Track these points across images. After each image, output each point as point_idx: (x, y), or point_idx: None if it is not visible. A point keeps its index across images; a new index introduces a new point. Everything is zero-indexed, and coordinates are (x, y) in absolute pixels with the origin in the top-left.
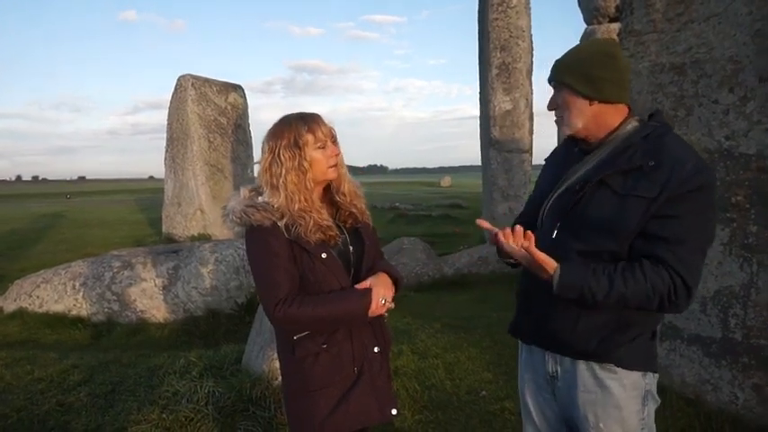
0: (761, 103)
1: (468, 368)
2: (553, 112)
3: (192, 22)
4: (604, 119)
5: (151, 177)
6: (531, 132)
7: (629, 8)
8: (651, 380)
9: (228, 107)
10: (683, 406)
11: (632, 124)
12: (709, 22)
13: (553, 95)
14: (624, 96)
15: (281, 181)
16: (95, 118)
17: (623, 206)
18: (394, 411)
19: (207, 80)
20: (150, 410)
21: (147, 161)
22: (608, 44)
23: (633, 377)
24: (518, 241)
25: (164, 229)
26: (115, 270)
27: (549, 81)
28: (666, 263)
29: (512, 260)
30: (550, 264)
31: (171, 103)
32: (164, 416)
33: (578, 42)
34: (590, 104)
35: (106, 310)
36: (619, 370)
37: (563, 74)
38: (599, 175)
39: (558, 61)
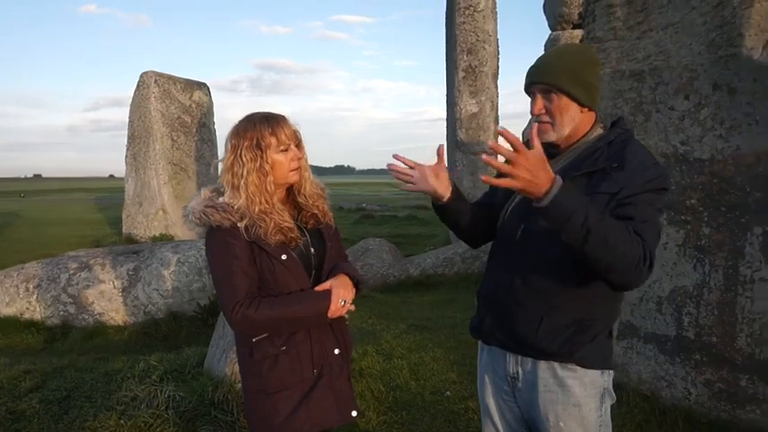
0: (714, 110)
1: (433, 368)
2: (533, 117)
3: (155, 17)
4: (583, 125)
5: (111, 176)
6: (495, 135)
7: (591, 16)
8: (608, 377)
9: (193, 105)
10: (640, 402)
11: (598, 131)
12: (667, 31)
13: (541, 100)
14: (598, 104)
15: (242, 182)
16: (53, 114)
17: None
18: (354, 413)
19: (171, 77)
20: (107, 417)
21: (108, 159)
22: (591, 50)
23: (592, 376)
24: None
25: (124, 229)
26: (71, 272)
27: (533, 84)
28: (638, 234)
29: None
30: (550, 169)
31: (133, 100)
32: (122, 422)
33: (543, 48)
34: (581, 111)
35: (61, 313)
36: (579, 369)
37: (560, 79)
38: (564, 178)
39: (548, 64)
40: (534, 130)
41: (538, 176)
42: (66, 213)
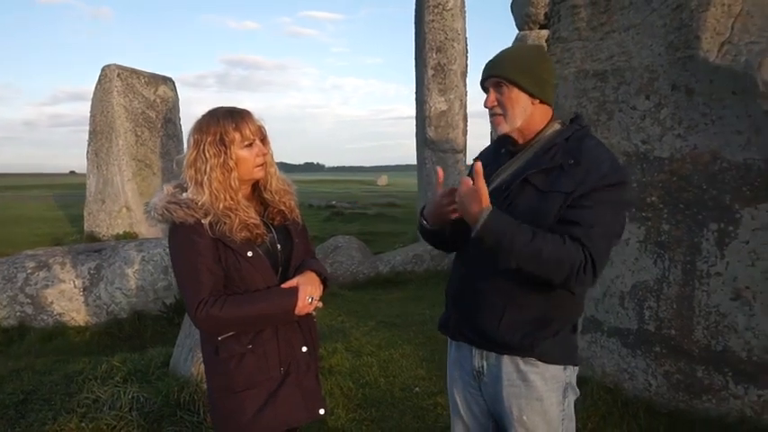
0: (673, 110)
1: (402, 365)
2: (488, 111)
3: (118, 10)
4: (536, 119)
5: (72, 172)
6: (465, 133)
7: (556, 16)
8: (571, 373)
9: (158, 100)
10: (604, 394)
11: (555, 127)
12: (629, 32)
13: (493, 93)
14: (553, 99)
15: (205, 178)
16: (9, 108)
17: (545, 202)
18: (322, 411)
19: (134, 71)
20: (67, 419)
21: (68, 155)
22: (543, 49)
23: (554, 371)
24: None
25: (86, 227)
26: (29, 271)
27: (487, 77)
28: (580, 240)
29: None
30: (486, 200)
31: (94, 94)
32: (83, 425)
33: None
34: (532, 103)
35: (18, 313)
36: (540, 364)
37: (511, 71)
38: (524, 174)
39: (500, 59)
40: (477, 168)
41: (469, 209)
42: (24, 211)
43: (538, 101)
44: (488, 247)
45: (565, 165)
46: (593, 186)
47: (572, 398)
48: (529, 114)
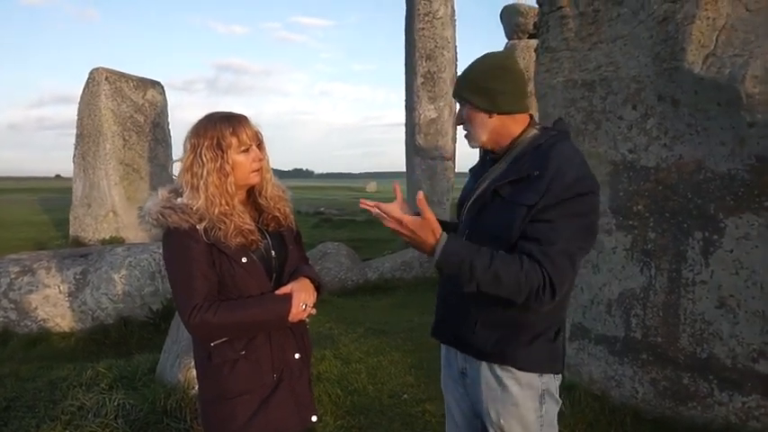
0: (659, 120)
1: (391, 372)
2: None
3: (105, 12)
4: (507, 129)
5: (58, 176)
6: (454, 140)
7: (545, 26)
8: (549, 380)
9: (146, 104)
10: (591, 401)
11: (532, 133)
12: (617, 43)
13: (459, 111)
14: (522, 105)
15: (201, 182)
16: None
17: (510, 214)
18: (314, 418)
19: (123, 75)
20: (51, 427)
21: (54, 159)
22: (501, 57)
23: (528, 378)
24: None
25: (71, 231)
26: (13, 276)
27: (454, 96)
28: (539, 262)
29: None
30: (438, 229)
31: (82, 97)
32: None
33: None
34: (489, 117)
35: (1, 319)
36: (514, 370)
37: (462, 90)
38: (494, 185)
39: (459, 79)
40: (419, 197)
41: (420, 238)
42: (7, 215)
43: (495, 114)
44: (449, 274)
45: (531, 175)
46: (555, 199)
47: (551, 404)
48: (491, 128)
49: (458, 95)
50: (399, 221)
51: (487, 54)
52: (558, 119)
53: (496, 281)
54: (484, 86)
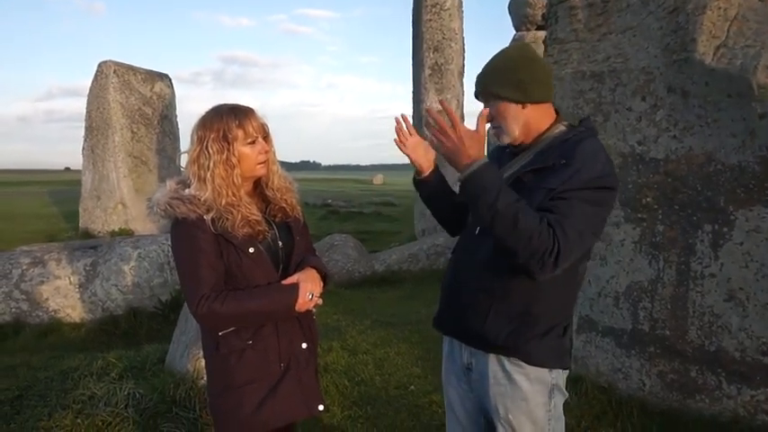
0: (668, 112)
1: (398, 363)
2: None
3: (110, 4)
4: (536, 121)
5: (67, 169)
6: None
7: (554, 17)
8: (558, 375)
9: (154, 97)
10: (598, 394)
11: (560, 128)
12: (626, 34)
13: (486, 109)
14: (550, 94)
15: (208, 174)
16: (2, 103)
17: (530, 196)
18: (320, 407)
19: (131, 68)
20: (63, 416)
21: (63, 151)
22: (523, 48)
23: (538, 372)
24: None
25: (81, 223)
26: (24, 267)
27: (477, 95)
28: (553, 228)
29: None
30: (483, 149)
31: (90, 90)
32: (78, 421)
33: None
34: (522, 108)
35: (13, 310)
36: (525, 364)
37: (491, 85)
38: (518, 174)
39: (482, 74)
40: (484, 112)
41: (462, 149)
42: (18, 207)
43: (529, 104)
44: (472, 195)
45: (556, 164)
46: (578, 185)
47: (559, 398)
48: (523, 121)
49: (485, 93)
50: (455, 124)
51: (506, 48)
52: (586, 117)
53: (513, 222)
54: (514, 78)
